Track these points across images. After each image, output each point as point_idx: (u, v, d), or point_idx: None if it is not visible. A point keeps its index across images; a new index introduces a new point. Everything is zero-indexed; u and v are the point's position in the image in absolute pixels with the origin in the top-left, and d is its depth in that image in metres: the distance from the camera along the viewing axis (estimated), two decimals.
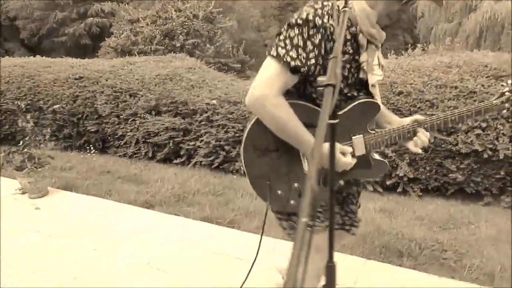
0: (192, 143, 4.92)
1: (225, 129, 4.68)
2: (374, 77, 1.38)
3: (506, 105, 1.42)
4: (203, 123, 4.83)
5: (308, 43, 1.26)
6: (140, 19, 15.96)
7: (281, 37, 1.28)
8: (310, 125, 1.33)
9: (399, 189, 4.14)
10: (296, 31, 1.25)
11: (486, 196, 3.93)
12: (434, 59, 4.60)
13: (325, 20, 1.26)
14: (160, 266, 2.51)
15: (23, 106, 5.49)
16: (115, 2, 24.23)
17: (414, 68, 4.31)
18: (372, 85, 1.39)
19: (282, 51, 1.26)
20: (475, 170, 3.83)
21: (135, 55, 12.90)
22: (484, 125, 3.69)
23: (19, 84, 5.70)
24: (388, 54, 7.12)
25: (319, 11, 1.26)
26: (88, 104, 5.48)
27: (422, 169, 4.01)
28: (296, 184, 1.44)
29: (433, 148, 3.89)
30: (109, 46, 16.40)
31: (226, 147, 4.72)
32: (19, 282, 2.37)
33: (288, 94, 1.34)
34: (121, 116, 5.28)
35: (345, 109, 1.37)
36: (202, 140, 4.81)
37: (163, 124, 4.97)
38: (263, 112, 1.30)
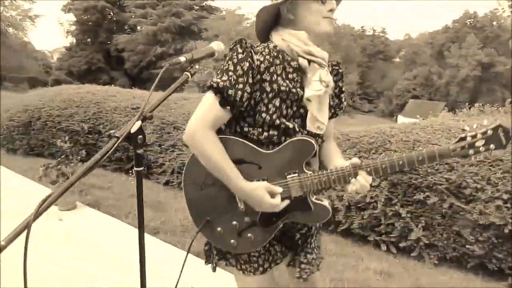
0: None
1: None
2: (310, 92, 1.35)
3: (470, 151, 1.32)
4: None
5: (238, 67, 1.29)
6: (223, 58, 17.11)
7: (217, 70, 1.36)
8: (243, 161, 1.35)
9: (414, 253, 3.90)
10: (227, 57, 1.33)
11: None
12: (475, 120, 4.36)
13: (252, 55, 1.32)
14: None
15: (86, 128, 6.23)
16: (207, 41, 26.15)
17: (445, 128, 4.12)
18: (308, 99, 1.36)
19: (214, 79, 1.32)
20: (496, 245, 3.49)
21: None
22: (506, 196, 3.39)
23: (86, 109, 6.47)
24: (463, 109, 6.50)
25: (250, 46, 1.35)
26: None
27: (439, 235, 3.75)
28: (234, 222, 1.41)
29: (450, 214, 3.65)
30: (193, 81, 17.75)
31: None
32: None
33: (221, 132, 1.38)
34: (163, 146, 5.72)
35: (277, 148, 1.35)
36: None
37: None
38: (194, 146, 1.34)
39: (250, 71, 1.29)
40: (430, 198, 3.69)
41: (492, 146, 1.31)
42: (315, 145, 1.35)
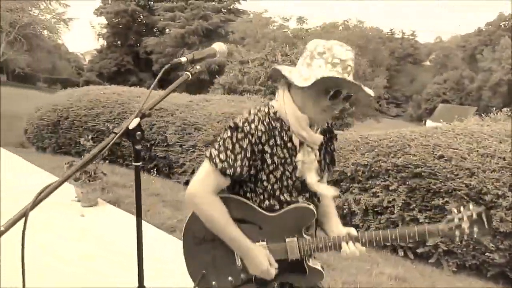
0: None
1: None
2: (314, 176, 1.38)
3: (456, 232, 1.34)
4: None
5: (237, 146, 1.30)
6: (249, 61, 17.19)
7: (218, 138, 1.34)
8: (243, 221, 1.37)
9: (432, 260, 3.83)
10: (229, 133, 1.31)
11: None
12: (497, 126, 4.25)
13: (253, 126, 1.31)
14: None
15: (111, 127, 6.41)
16: (233, 44, 26.35)
17: (468, 133, 4.03)
18: (298, 171, 1.37)
19: (214, 152, 1.32)
20: None
21: (240, 94, 13.89)
22: None
23: (111, 109, 6.66)
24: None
25: (250, 117, 1.33)
26: (161, 132, 6.16)
27: (459, 242, 3.66)
28: (230, 278, 1.42)
29: None
30: (218, 83, 17.90)
31: None
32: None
33: (223, 191, 1.40)
34: (184, 146, 5.82)
35: (279, 212, 1.37)
36: None
37: None
38: (195, 209, 1.37)
39: (249, 146, 1.30)
40: (449, 203, 3.62)
41: (475, 229, 1.34)
42: (315, 213, 1.38)
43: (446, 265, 3.78)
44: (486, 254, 3.50)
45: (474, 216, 1.33)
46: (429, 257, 3.87)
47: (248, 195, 1.39)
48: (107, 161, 5.28)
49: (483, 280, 3.61)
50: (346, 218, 4.35)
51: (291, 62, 15.70)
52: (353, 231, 1.42)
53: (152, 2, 40.20)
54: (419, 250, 3.87)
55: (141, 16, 39.46)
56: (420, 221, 3.77)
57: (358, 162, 4.20)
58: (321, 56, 1.29)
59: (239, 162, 1.30)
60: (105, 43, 40.84)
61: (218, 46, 1.33)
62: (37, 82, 36.18)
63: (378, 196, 4.03)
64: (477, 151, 3.70)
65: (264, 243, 1.37)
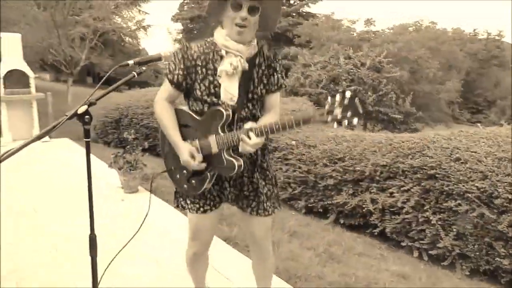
0: None
1: (294, 168, 5.09)
2: (220, 68, 1.70)
3: (329, 118, 1.49)
4: (279, 159, 5.34)
5: (176, 61, 1.75)
6: (312, 64, 17.33)
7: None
8: (186, 125, 1.80)
9: (446, 262, 3.82)
10: (173, 55, 1.76)
11: None
12: None
13: (189, 48, 1.76)
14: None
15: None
16: (299, 47, 26.52)
17: (492, 136, 3.95)
18: (219, 75, 1.72)
19: (166, 70, 1.80)
20: None
21: (301, 96, 14.14)
22: None
23: None
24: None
25: (188, 45, 1.78)
26: None
27: (471, 246, 3.63)
28: (184, 171, 1.82)
29: (482, 224, 3.52)
30: None
31: (293, 185, 5.11)
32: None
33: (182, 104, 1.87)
34: None
35: (202, 117, 1.76)
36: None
37: None
38: (155, 112, 1.85)
39: (182, 60, 1.74)
40: (461, 206, 3.61)
41: (349, 113, 1.45)
42: (224, 112, 1.69)
43: (459, 269, 3.75)
44: (497, 259, 3.44)
45: (346, 101, 1.46)
46: (444, 260, 3.86)
47: (190, 103, 1.82)
48: (146, 154, 5.83)
49: (495, 286, 3.54)
50: (366, 217, 4.45)
51: (354, 66, 15.59)
52: (250, 124, 1.68)
53: None
54: (432, 252, 3.87)
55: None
56: (432, 222, 3.78)
57: (377, 163, 4.29)
58: None
59: (177, 71, 1.75)
60: None
61: (164, 52, 1.66)
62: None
63: (394, 196, 4.09)
64: (495, 154, 3.64)
65: (196, 141, 1.76)
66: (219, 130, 1.71)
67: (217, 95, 1.74)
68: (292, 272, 3.17)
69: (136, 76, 1.58)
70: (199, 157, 1.74)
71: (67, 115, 1.40)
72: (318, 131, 5.65)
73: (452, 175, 3.68)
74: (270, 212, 1.95)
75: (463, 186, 3.58)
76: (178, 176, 1.86)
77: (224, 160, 1.73)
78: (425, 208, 3.88)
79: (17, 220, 3.99)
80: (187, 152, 1.73)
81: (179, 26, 42.63)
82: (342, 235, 4.37)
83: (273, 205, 1.97)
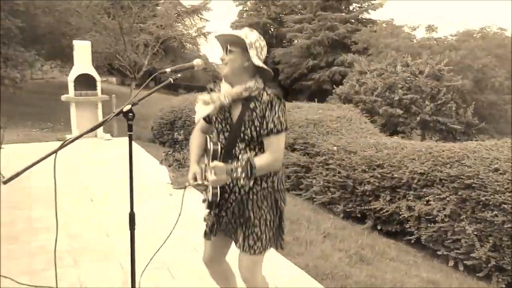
0: (310, 180, 5.63)
1: (333, 173, 5.22)
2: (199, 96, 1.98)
3: (233, 174, 1.65)
4: (320, 164, 5.49)
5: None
6: (368, 71, 17.14)
7: None
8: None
9: (481, 274, 3.78)
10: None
11: None
12: None
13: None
14: None
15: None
16: (356, 54, 26.20)
17: None
18: (196, 102, 1.98)
19: None
20: None
21: (355, 104, 14.11)
22: None
23: None
24: None
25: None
26: None
27: (508, 258, 3.58)
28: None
29: None
30: (335, 92, 18.20)
31: (332, 189, 5.24)
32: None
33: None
34: None
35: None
36: (315, 179, 5.48)
37: (291, 159, 5.88)
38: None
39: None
40: (497, 217, 3.57)
41: (243, 174, 1.61)
42: (212, 147, 1.90)
43: (495, 281, 3.70)
44: None
45: (243, 163, 1.62)
46: (481, 271, 3.82)
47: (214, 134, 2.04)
48: None
49: None
50: (403, 224, 4.49)
51: (412, 73, 15.21)
52: (215, 164, 1.74)
53: (282, 15, 42.12)
54: (468, 262, 3.85)
55: (272, 29, 41.67)
56: (468, 232, 3.76)
57: (415, 170, 4.32)
58: None
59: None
60: None
61: (196, 62, 1.93)
62: (178, 89, 40.98)
63: (430, 204, 4.11)
64: None
65: (199, 170, 1.96)
66: (209, 162, 1.90)
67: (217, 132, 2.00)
68: (321, 270, 3.34)
69: (172, 82, 1.86)
70: (199, 180, 1.88)
71: (114, 112, 1.71)
72: (360, 138, 5.74)
73: (489, 185, 3.65)
74: (256, 252, 1.95)
75: (500, 197, 3.55)
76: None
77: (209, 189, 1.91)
78: (461, 217, 3.86)
79: (76, 208, 4.50)
80: (191, 173, 1.95)
81: None
82: (377, 240, 4.44)
83: (263, 246, 1.96)
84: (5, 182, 1.46)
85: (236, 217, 1.98)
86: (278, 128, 1.86)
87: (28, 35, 15.54)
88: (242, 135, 1.89)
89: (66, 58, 16.81)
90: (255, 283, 2.03)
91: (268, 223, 1.97)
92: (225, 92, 1.88)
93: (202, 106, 1.92)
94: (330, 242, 4.04)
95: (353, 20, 35.75)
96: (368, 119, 8.85)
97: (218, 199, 1.91)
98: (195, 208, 2.17)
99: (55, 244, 2.01)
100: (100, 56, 16.19)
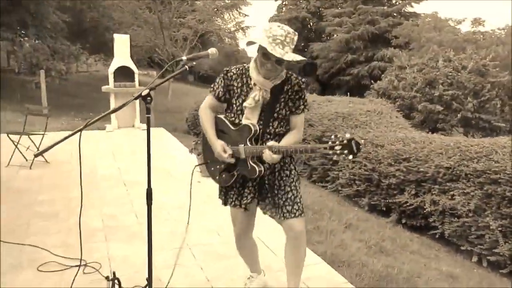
0: (336, 172, 5.67)
1: (359, 166, 5.23)
2: (245, 103, 2.12)
3: (330, 152, 1.80)
4: None
5: (219, 80, 2.22)
6: (407, 66, 16.73)
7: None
8: (222, 131, 2.22)
9: (505, 270, 3.72)
10: (219, 76, 2.25)
11: None
12: None
13: (229, 71, 2.20)
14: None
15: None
16: (397, 49, 25.54)
17: None
18: (244, 107, 2.13)
19: (212, 86, 2.27)
20: None
21: (393, 99, 13.86)
22: None
23: None
24: None
25: (230, 68, 2.23)
26: None
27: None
28: (218, 166, 2.26)
29: None
30: (373, 88, 17.91)
31: (358, 182, 5.26)
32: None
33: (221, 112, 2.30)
34: None
35: (237, 127, 2.17)
36: (342, 171, 5.51)
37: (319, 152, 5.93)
38: (199, 116, 2.31)
39: (223, 81, 2.21)
40: None
41: (346, 151, 1.77)
42: (252, 128, 2.09)
43: None
44: None
45: (345, 141, 1.77)
46: (505, 267, 3.75)
47: (227, 114, 2.24)
48: None
49: None
50: (428, 219, 4.45)
51: (454, 69, 14.71)
52: (272, 142, 2.05)
53: (322, 9, 41.65)
54: (491, 258, 3.78)
55: (311, 23, 41.29)
56: (492, 228, 3.70)
57: (441, 165, 4.28)
58: (264, 31, 2.01)
59: (218, 87, 2.22)
60: None
61: (211, 50, 2.06)
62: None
63: (454, 199, 4.06)
64: None
65: (225, 143, 2.17)
66: (247, 142, 2.11)
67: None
68: (338, 257, 3.41)
69: (187, 69, 2.00)
70: (229, 150, 2.14)
71: (134, 96, 1.88)
72: (389, 132, 5.70)
73: None
74: (301, 213, 2.20)
75: None
76: (213, 169, 2.31)
77: (249, 165, 2.12)
78: (485, 213, 3.80)
79: (111, 190, 4.79)
80: (220, 146, 2.15)
81: None
82: (400, 233, 4.43)
83: (300, 208, 2.21)
84: (36, 155, 1.66)
85: (272, 187, 2.22)
86: (305, 108, 2.22)
87: (74, 29, 16.34)
88: (276, 114, 2.15)
89: (109, 52, 17.54)
90: (304, 244, 2.30)
91: (298, 187, 2.25)
92: (262, 86, 2.11)
93: (251, 110, 2.14)
94: (351, 233, 4.09)
95: (395, 14, 34.80)
96: (404, 115, 8.70)
97: (258, 173, 2.11)
98: (217, 193, 2.34)
99: (79, 219, 2.19)
100: (140, 50, 16.76)
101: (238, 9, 31.82)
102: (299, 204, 2.21)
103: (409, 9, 36.45)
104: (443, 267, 3.64)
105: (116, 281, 2.40)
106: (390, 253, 3.75)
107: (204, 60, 28.15)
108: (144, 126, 9.17)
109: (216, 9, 20.73)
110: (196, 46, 16.75)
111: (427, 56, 16.86)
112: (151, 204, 2.01)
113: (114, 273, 2.43)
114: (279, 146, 2.01)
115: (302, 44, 41.62)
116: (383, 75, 18.07)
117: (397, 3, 36.17)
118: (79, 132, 1.80)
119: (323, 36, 42.87)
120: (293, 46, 1.99)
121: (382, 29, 34.01)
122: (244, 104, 2.12)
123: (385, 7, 35.23)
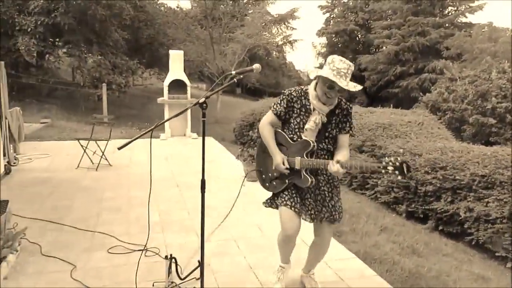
0: (375, 180, 5.89)
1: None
2: (307, 126, 2.45)
3: (383, 171, 2.13)
4: None
5: (280, 101, 2.56)
6: (458, 78, 16.40)
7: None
8: (280, 144, 2.56)
9: None
10: (280, 96, 2.59)
11: None
12: None
13: (291, 92, 2.54)
14: None
15: None
16: (449, 60, 24.90)
17: None
18: (306, 129, 2.46)
19: (273, 104, 2.62)
20: None
21: (443, 112, 13.72)
22: None
23: None
24: None
25: (292, 89, 2.58)
26: None
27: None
28: (270, 174, 2.61)
29: None
30: (421, 100, 17.66)
31: (396, 189, 5.45)
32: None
33: (279, 127, 2.66)
34: None
35: (296, 141, 2.50)
36: (380, 179, 5.73)
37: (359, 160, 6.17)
38: (260, 131, 2.65)
39: (285, 102, 2.54)
40: None
41: (396, 172, 2.09)
42: (311, 144, 2.42)
43: None
44: None
45: (397, 164, 2.09)
46: None
47: (285, 130, 2.58)
48: None
49: None
50: (464, 225, 4.58)
51: (508, 80, 14.27)
52: (339, 157, 2.35)
53: (370, 21, 41.39)
54: None
55: (359, 35, 41.12)
56: None
57: (477, 173, 4.42)
58: (328, 64, 2.37)
59: (280, 107, 2.55)
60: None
61: (255, 66, 2.47)
62: (263, 95, 42.33)
63: (488, 206, 4.19)
64: None
65: (286, 157, 2.51)
66: (304, 155, 2.44)
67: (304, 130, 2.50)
68: (371, 255, 3.67)
69: (235, 82, 2.43)
70: (287, 164, 2.48)
71: (192, 103, 2.32)
72: (428, 142, 5.85)
73: None
74: (339, 219, 2.58)
75: None
76: (264, 176, 2.67)
77: (302, 175, 2.45)
78: None
79: (167, 191, 5.32)
80: (281, 158, 2.49)
81: (323, 40, 43.83)
82: (435, 238, 4.59)
83: (338, 214, 2.58)
84: (119, 148, 2.15)
85: (321, 196, 2.56)
86: (351, 130, 2.58)
87: (132, 45, 17.57)
88: (327, 133, 2.50)
89: (163, 66, 18.64)
90: (329, 244, 2.73)
91: (339, 197, 2.62)
92: (321, 111, 2.47)
93: (311, 131, 2.48)
94: (386, 235, 4.32)
95: (447, 24, 33.91)
96: (454, 127, 8.60)
97: (310, 184, 2.44)
98: (260, 195, 2.73)
99: (148, 212, 2.66)
100: (192, 64, 17.67)
101: (286, 23, 32.43)
102: (341, 212, 2.62)
103: (462, 19, 35.37)
104: (475, 270, 3.78)
105: (173, 260, 2.86)
106: (422, 254, 3.95)
107: (252, 74, 28.98)
108: (195, 135, 9.83)
109: (264, 24, 21.39)
110: (244, 60, 17.41)
111: (479, 68, 16.46)
112: (204, 192, 2.42)
113: (171, 255, 2.88)
114: (346, 162, 2.27)
115: (350, 56, 41.49)
116: (432, 87, 17.81)
117: (450, 14, 35.25)
118: (149, 138, 2.24)
119: (371, 48, 42.45)
120: (350, 76, 2.34)
121: (433, 40, 33.26)
122: (306, 126, 2.47)
123: (437, 18, 34.42)
